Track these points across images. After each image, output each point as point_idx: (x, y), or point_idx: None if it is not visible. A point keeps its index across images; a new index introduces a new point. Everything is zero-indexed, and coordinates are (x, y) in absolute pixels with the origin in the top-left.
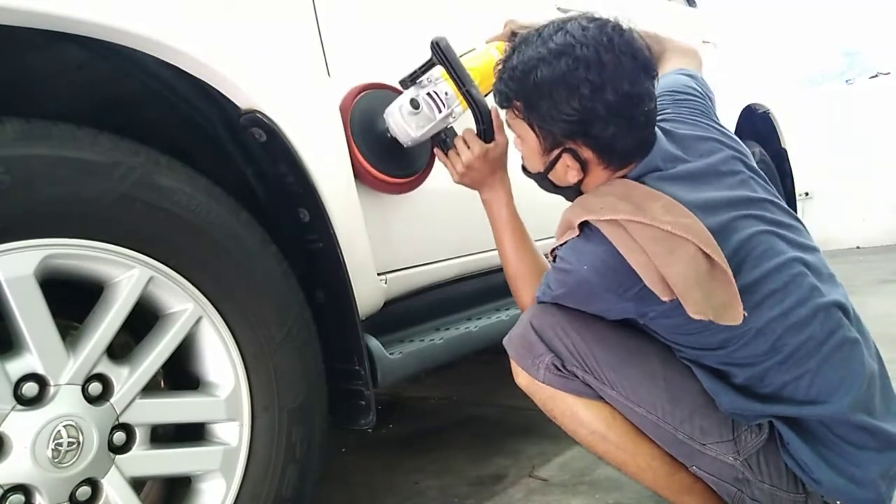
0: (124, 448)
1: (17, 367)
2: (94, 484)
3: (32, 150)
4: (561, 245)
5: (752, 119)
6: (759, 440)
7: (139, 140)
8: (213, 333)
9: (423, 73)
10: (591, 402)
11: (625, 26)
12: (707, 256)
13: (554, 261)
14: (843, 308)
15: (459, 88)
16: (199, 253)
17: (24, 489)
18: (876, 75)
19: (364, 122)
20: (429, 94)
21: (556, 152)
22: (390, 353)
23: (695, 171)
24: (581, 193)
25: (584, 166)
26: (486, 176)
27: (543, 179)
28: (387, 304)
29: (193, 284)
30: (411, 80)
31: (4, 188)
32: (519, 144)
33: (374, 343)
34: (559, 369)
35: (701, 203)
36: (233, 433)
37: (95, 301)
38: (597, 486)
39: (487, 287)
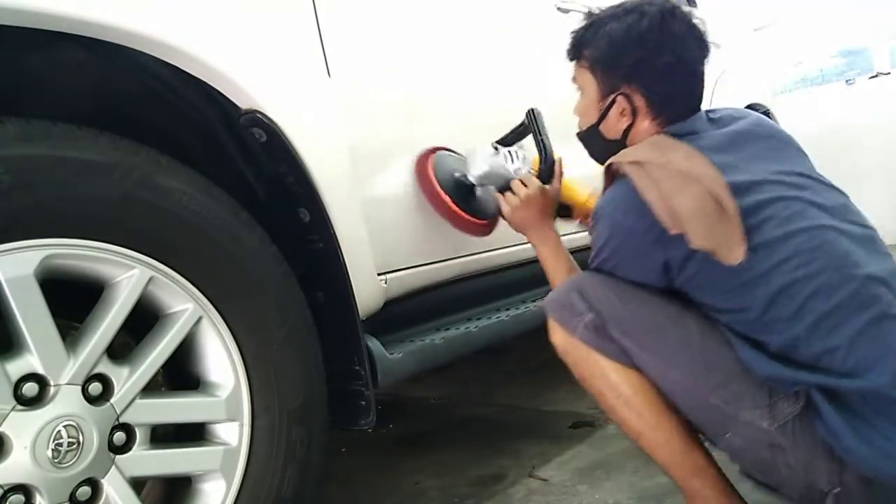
0: (124, 448)
1: (17, 367)
2: (94, 484)
3: (32, 150)
4: None
5: None
6: (794, 408)
7: (139, 140)
8: (213, 333)
9: (516, 138)
10: (623, 368)
11: (694, 16)
12: (716, 200)
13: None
14: (885, 283)
15: (535, 135)
16: (199, 253)
17: (24, 489)
18: (876, 75)
19: (443, 173)
20: (509, 150)
21: (611, 97)
22: (390, 353)
23: (732, 135)
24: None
25: (634, 114)
26: (535, 217)
27: (594, 134)
28: (387, 304)
29: (193, 284)
30: (503, 141)
31: (4, 188)
32: (578, 104)
33: (374, 343)
34: (598, 330)
35: (729, 163)
36: (233, 433)
37: (95, 301)
38: (597, 486)
39: (487, 287)
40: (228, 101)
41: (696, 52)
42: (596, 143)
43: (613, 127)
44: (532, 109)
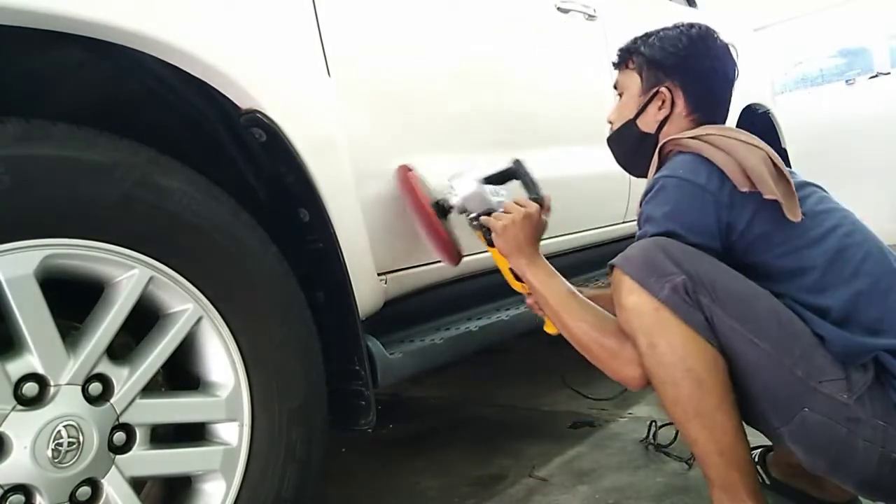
0: (124, 448)
1: (17, 367)
2: (94, 484)
3: (32, 150)
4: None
5: (752, 119)
6: (867, 378)
7: (139, 140)
8: (213, 333)
9: (499, 180)
10: (701, 340)
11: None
12: (775, 165)
13: (642, 207)
14: None
15: (524, 177)
16: (200, 253)
17: (25, 489)
18: (876, 75)
19: (424, 191)
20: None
21: (653, 90)
22: (390, 353)
23: None
24: (653, 151)
25: (671, 108)
26: (528, 239)
27: (629, 128)
28: (387, 304)
29: (193, 284)
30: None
31: (4, 188)
32: (615, 108)
33: (374, 343)
34: (687, 293)
35: None
36: (233, 433)
37: (95, 301)
38: (597, 486)
39: (487, 287)
40: (228, 101)
41: (733, 67)
42: (629, 138)
43: (650, 119)
44: (517, 159)
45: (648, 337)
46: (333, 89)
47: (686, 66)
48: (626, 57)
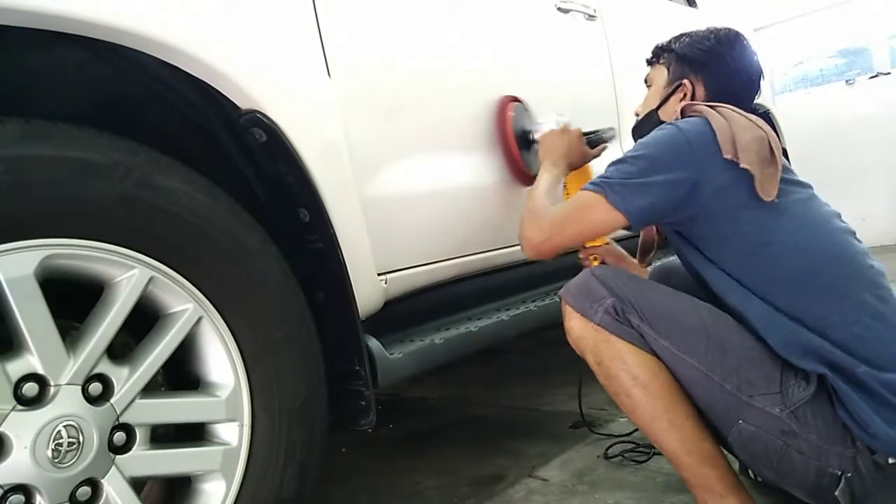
0: (124, 448)
1: (17, 367)
2: (94, 484)
3: (32, 150)
4: None
5: None
6: (805, 393)
7: (139, 140)
8: (213, 334)
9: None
10: (640, 351)
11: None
12: (770, 149)
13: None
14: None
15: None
16: (200, 253)
17: (25, 489)
18: (876, 75)
19: (516, 121)
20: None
21: (677, 83)
22: (390, 354)
23: None
24: None
25: (693, 99)
26: (560, 151)
27: (651, 117)
28: (387, 304)
29: (193, 284)
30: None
31: (4, 188)
32: (643, 102)
33: (374, 343)
34: (617, 314)
35: None
36: (233, 433)
37: (95, 301)
38: (597, 486)
39: (487, 287)
40: (228, 102)
41: (758, 70)
42: (649, 127)
43: (671, 109)
44: (612, 128)
45: (595, 356)
46: (334, 89)
47: (710, 63)
48: (659, 53)
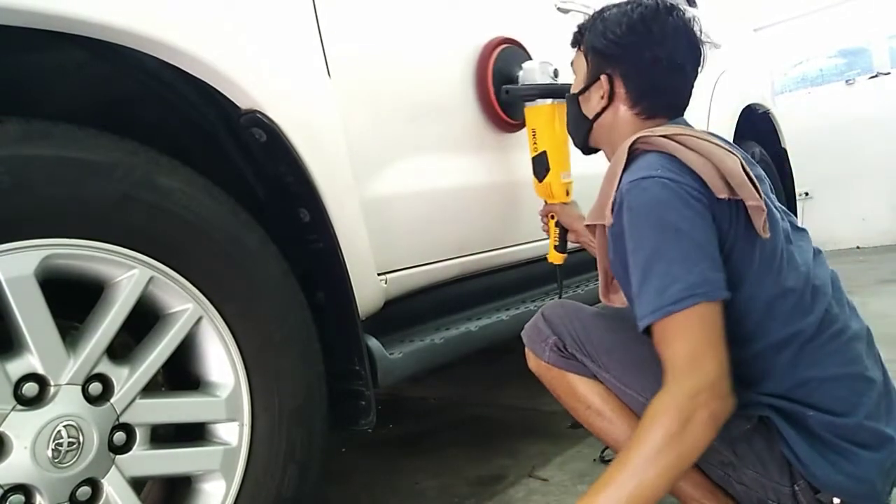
0: (124, 448)
1: (17, 367)
2: (94, 484)
3: (32, 150)
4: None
5: (752, 119)
6: (742, 428)
7: (139, 140)
8: (213, 333)
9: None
10: (588, 380)
11: (695, 21)
12: (747, 175)
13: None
14: (861, 334)
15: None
16: (199, 253)
17: (25, 489)
18: (876, 75)
19: (498, 73)
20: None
21: (593, 79)
22: (390, 353)
23: None
24: (588, 134)
25: (612, 98)
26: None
27: (574, 102)
28: (387, 304)
29: (193, 284)
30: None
31: (4, 188)
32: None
33: (374, 343)
34: (561, 350)
35: None
36: (233, 433)
37: (95, 301)
38: None
39: (487, 287)
40: (228, 101)
41: (686, 52)
42: (572, 113)
43: (592, 106)
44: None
45: (554, 391)
46: (333, 89)
47: (627, 56)
48: (578, 38)
